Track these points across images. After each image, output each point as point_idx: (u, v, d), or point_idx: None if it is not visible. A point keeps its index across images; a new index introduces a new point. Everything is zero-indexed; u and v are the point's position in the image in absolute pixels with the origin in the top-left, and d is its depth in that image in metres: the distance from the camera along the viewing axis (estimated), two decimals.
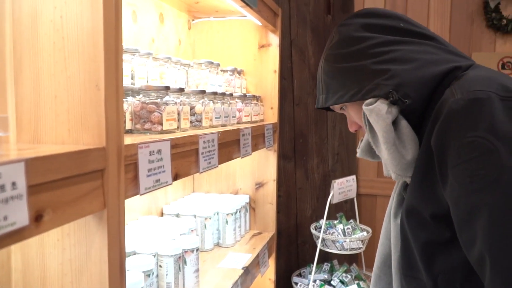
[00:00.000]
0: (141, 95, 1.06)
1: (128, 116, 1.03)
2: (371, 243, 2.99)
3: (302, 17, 2.51)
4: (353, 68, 0.90)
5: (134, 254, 1.24)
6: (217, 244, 1.77)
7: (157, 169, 0.86)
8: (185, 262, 1.30)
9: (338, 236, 2.20)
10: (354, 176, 2.31)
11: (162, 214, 1.73)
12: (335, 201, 2.21)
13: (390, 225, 0.96)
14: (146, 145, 0.82)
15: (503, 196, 0.68)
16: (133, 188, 0.79)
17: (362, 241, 2.23)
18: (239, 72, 1.86)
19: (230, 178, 2.01)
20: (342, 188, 2.24)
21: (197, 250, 1.33)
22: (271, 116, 1.95)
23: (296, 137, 2.51)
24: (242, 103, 1.65)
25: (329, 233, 2.22)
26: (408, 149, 0.85)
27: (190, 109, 1.23)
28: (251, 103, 1.72)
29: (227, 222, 1.75)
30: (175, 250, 1.26)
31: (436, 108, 0.80)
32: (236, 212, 1.81)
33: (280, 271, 2.46)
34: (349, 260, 2.51)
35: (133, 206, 1.55)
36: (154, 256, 1.25)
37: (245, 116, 1.65)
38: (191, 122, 1.23)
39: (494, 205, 0.68)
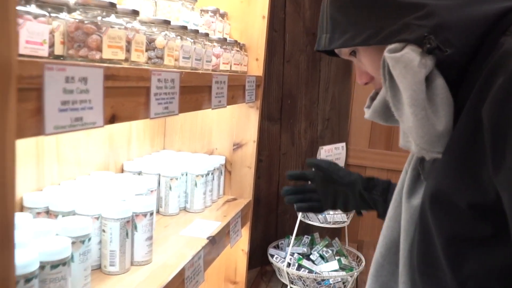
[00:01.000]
0: (78, 12, 0.81)
1: (58, 38, 0.79)
2: (357, 217, 2.82)
3: None
4: (371, 3, 0.68)
5: (74, 215, 1.03)
6: (184, 209, 1.56)
7: (79, 103, 0.63)
8: (135, 227, 1.09)
9: None
10: (343, 144, 2.10)
11: (122, 171, 1.51)
12: None
13: (401, 206, 0.74)
14: (60, 67, 0.59)
15: None
16: (34, 125, 0.56)
17: (347, 214, 2.04)
18: (222, 15, 1.60)
19: (205, 136, 1.79)
20: (330, 155, 2.03)
21: (152, 214, 1.12)
22: (256, 68, 1.71)
23: (284, 97, 2.28)
24: (221, 47, 1.41)
25: None
26: (441, 117, 0.63)
27: (149, 42, 0.99)
28: (232, 50, 1.48)
29: (196, 184, 1.54)
30: (122, 213, 1.04)
31: (490, 63, 0.59)
32: (208, 174, 1.59)
33: (256, 240, 2.28)
34: (331, 234, 2.33)
35: (85, 159, 1.33)
36: (98, 218, 1.04)
37: (223, 63, 1.41)
38: (150, 58, 1.00)
39: None
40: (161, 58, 1.01)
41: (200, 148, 1.79)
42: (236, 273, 1.86)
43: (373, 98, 0.80)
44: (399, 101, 0.66)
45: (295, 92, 2.30)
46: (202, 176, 1.55)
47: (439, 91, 0.63)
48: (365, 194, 1.03)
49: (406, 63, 0.63)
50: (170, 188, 1.47)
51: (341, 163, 2.10)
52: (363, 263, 2.06)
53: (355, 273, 1.96)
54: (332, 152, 2.04)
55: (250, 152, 1.76)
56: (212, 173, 1.62)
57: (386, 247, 0.77)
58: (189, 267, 1.16)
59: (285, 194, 1.11)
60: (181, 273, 1.11)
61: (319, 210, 1.13)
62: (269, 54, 2.20)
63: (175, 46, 1.06)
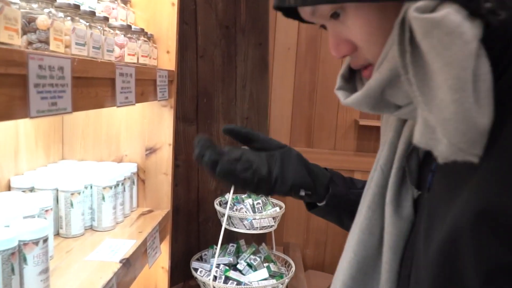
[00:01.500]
0: None
1: None
2: (284, 220, 2.72)
3: None
4: None
5: None
6: (91, 228, 1.33)
7: None
8: (24, 259, 0.86)
9: (247, 212, 1.87)
10: None
11: (10, 189, 1.24)
12: None
13: (381, 217, 0.59)
14: None
15: None
16: None
17: (274, 218, 1.92)
18: (125, 1, 1.40)
19: (112, 141, 1.56)
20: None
21: (46, 240, 0.89)
22: (167, 62, 1.51)
23: (200, 96, 2.11)
24: (125, 36, 1.20)
25: (236, 210, 1.87)
26: (485, 109, 0.45)
27: (29, 22, 0.77)
28: (138, 39, 1.28)
29: (104, 198, 1.32)
30: (5, 243, 0.81)
31: None
32: (118, 184, 1.37)
33: (177, 254, 2.07)
34: (257, 239, 2.20)
35: None
36: None
37: (129, 55, 1.21)
38: (30, 42, 0.78)
39: None
40: (46, 42, 0.80)
41: (107, 155, 1.56)
42: None
43: (345, 77, 0.64)
44: (428, 83, 0.48)
45: (211, 90, 2.13)
46: (111, 187, 1.33)
47: (484, 74, 0.46)
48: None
49: (451, 29, 0.44)
50: (72, 204, 1.24)
51: None
52: (293, 268, 1.96)
53: (286, 280, 1.85)
54: None
55: (165, 157, 1.57)
56: (122, 184, 1.41)
57: (357, 267, 0.60)
58: None
59: (199, 154, 0.75)
60: None
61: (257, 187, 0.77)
62: (181, 49, 2.01)
63: (65, 29, 0.85)
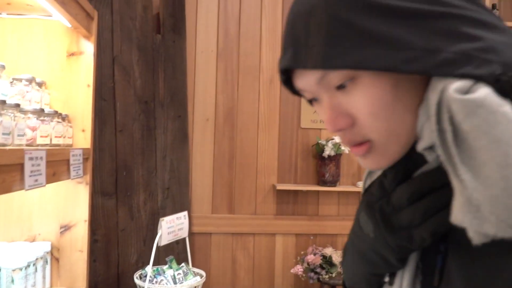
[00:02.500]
0: None
1: None
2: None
3: (128, 33, 2.20)
4: (418, 13, 0.49)
5: None
6: None
7: None
8: None
9: (167, 284, 1.87)
10: (185, 213, 2.03)
11: None
12: (163, 242, 1.89)
13: None
14: None
15: None
16: None
17: (195, 287, 1.93)
18: (40, 84, 1.45)
19: (24, 220, 1.54)
20: (172, 226, 1.93)
21: None
22: (83, 140, 1.56)
23: (119, 169, 2.14)
24: (38, 119, 1.25)
25: (156, 282, 1.87)
26: None
27: None
28: (51, 121, 1.33)
29: (13, 281, 1.29)
30: None
31: None
32: (29, 265, 1.35)
33: None
34: None
35: None
36: None
37: (41, 136, 1.25)
38: None
39: None
40: None
41: (19, 236, 1.53)
42: None
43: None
44: (468, 162, 0.46)
45: (131, 162, 2.18)
46: (21, 269, 1.31)
47: None
48: None
49: (494, 108, 0.44)
50: None
51: (185, 233, 2.02)
52: None
53: None
54: (174, 223, 1.95)
55: (81, 233, 1.57)
56: (34, 264, 1.38)
57: None
58: None
59: None
60: None
61: None
62: (99, 124, 2.06)
63: None
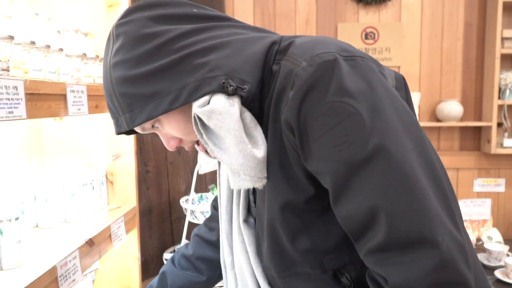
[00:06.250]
0: None
1: None
2: None
3: None
4: (162, 68, 0.73)
5: None
6: (65, 221, 1.61)
7: None
8: (0, 232, 1.14)
9: (207, 207, 2.14)
10: None
11: None
12: (203, 171, 2.15)
13: (233, 235, 0.92)
14: None
15: (376, 163, 0.65)
16: None
17: None
18: (85, 34, 1.70)
19: (83, 150, 1.85)
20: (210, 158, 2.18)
21: (17, 219, 1.18)
22: None
23: None
24: (81, 61, 1.50)
25: (198, 205, 2.15)
26: (261, 145, 0.75)
27: None
28: (93, 64, 1.58)
29: (75, 195, 1.60)
30: None
31: (276, 88, 0.73)
32: (88, 184, 1.66)
33: (152, 250, 2.35)
34: None
35: None
36: None
37: (85, 76, 1.51)
38: None
39: (370, 173, 0.65)
40: (7, 70, 1.09)
41: (80, 162, 1.85)
42: (130, 280, 1.92)
43: None
44: (222, 146, 0.74)
45: None
46: (82, 186, 1.62)
47: (252, 123, 0.75)
48: None
49: (220, 110, 0.71)
50: (47, 200, 1.52)
51: None
52: None
53: None
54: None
55: (130, 161, 1.86)
56: (91, 183, 1.69)
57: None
58: (63, 265, 1.23)
59: None
60: (52, 271, 1.17)
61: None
62: None
63: (23, 59, 1.15)
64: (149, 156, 2.33)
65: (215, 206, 1.21)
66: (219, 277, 1.18)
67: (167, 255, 2.21)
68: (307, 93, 0.68)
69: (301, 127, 0.69)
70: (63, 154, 1.85)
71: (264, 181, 0.76)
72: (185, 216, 2.41)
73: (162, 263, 2.23)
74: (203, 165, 2.14)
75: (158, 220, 2.40)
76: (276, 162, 0.76)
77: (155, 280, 1.17)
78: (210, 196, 2.25)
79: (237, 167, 0.73)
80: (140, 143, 2.29)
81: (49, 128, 1.83)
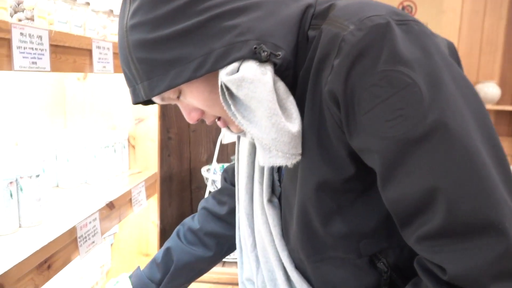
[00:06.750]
0: None
1: None
2: None
3: None
4: (185, 31, 0.65)
5: None
6: (86, 182, 1.58)
7: None
8: (21, 189, 1.11)
9: None
10: None
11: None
12: (226, 140, 2.10)
13: (255, 216, 0.86)
14: None
15: (434, 136, 0.57)
16: None
17: None
18: None
19: (106, 112, 1.81)
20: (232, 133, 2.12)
21: (38, 176, 1.14)
22: None
23: None
24: (108, 18, 1.44)
25: (220, 174, 2.10)
26: (295, 118, 0.67)
27: (18, 4, 1.02)
28: None
29: (96, 157, 1.57)
30: (4, 174, 1.06)
31: (318, 53, 0.65)
32: (110, 146, 1.62)
33: (171, 217, 2.33)
34: None
35: None
36: None
37: (111, 34, 1.45)
38: (19, 19, 1.02)
39: (428, 152, 0.57)
40: (31, 19, 1.04)
41: (103, 125, 1.81)
42: (148, 246, 1.90)
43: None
44: (253, 119, 0.66)
45: None
46: (103, 148, 1.58)
47: (285, 94, 0.66)
48: None
49: (251, 78, 0.63)
50: (68, 160, 1.49)
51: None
52: None
53: None
54: None
55: (153, 125, 1.81)
56: (113, 146, 1.65)
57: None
58: (83, 227, 1.19)
59: None
60: (72, 231, 1.14)
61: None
62: None
63: (48, 10, 1.09)
64: (172, 123, 2.28)
65: (226, 178, 1.15)
66: (226, 253, 1.12)
67: None
68: (356, 60, 0.59)
69: (348, 98, 0.61)
70: (85, 115, 1.81)
71: (298, 158, 0.68)
72: (205, 185, 2.38)
73: None
74: (227, 134, 2.08)
75: (178, 188, 2.37)
76: (313, 137, 0.68)
77: (158, 255, 1.10)
78: None
79: (269, 142, 0.66)
80: (163, 108, 2.24)
81: (73, 87, 1.79)
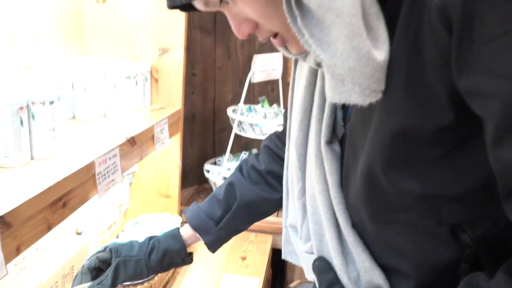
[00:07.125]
0: None
1: None
2: None
3: None
4: None
5: None
6: (104, 115, 1.44)
7: None
8: (32, 116, 0.97)
9: (257, 119, 1.95)
10: (280, 54, 2.01)
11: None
12: (256, 79, 1.93)
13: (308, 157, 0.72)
14: None
15: None
16: None
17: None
18: None
19: (128, 41, 1.64)
20: (266, 65, 1.94)
21: (52, 103, 1.00)
22: None
23: None
24: None
25: (247, 116, 1.96)
26: (382, 43, 0.50)
27: None
28: None
29: (116, 88, 1.42)
30: (14, 98, 0.92)
31: None
32: (131, 77, 1.47)
33: (193, 158, 2.21)
34: None
35: None
36: None
37: None
38: None
39: None
40: None
41: (123, 54, 1.65)
42: (168, 187, 1.79)
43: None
44: (325, 39, 0.50)
45: None
46: (124, 79, 1.43)
47: (373, 9, 0.49)
48: None
49: None
50: (85, 90, 1.34)
51: (278, 74, 2.03)
52: None
53: None
54: (267, 62, 1.96)
55: (178, 58, 1.64)
56: (135, 78, 1.50)
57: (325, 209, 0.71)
58: (101, 162, 1.07)
59: None
60: (90, 167, 1.01)
61: None
62: None
63: None
64: (197, 58, 2.11)
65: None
66: None
67: (208, 166, 2.06)
68: None
69: (466, 19, 0.43)
70: (104, 42, 1.65)
71: (379, 95, 0.52)
72: (229, 127, 2.23)
73: (202, 174, 2.09)
74: (257, 72, 1.91)
75: (200, 129, 2.23)
76: (402, 71, 0.50)
77: (219, 191, 0.98)
78: (259, 108, 2.04)
79: (344, 72, 0.50)
80: (188, 41, 2.05)
81: (91, 10, 1.61)
